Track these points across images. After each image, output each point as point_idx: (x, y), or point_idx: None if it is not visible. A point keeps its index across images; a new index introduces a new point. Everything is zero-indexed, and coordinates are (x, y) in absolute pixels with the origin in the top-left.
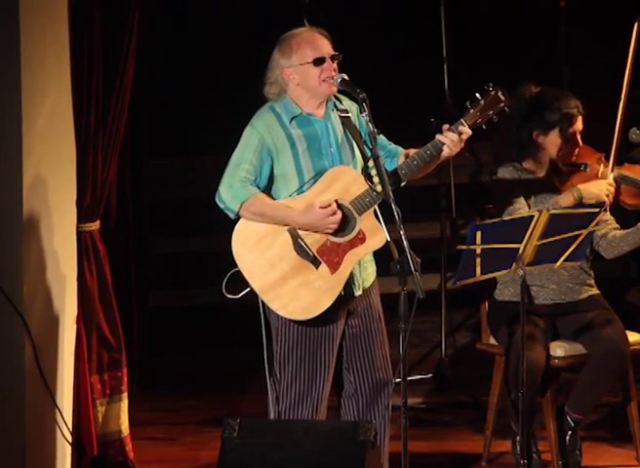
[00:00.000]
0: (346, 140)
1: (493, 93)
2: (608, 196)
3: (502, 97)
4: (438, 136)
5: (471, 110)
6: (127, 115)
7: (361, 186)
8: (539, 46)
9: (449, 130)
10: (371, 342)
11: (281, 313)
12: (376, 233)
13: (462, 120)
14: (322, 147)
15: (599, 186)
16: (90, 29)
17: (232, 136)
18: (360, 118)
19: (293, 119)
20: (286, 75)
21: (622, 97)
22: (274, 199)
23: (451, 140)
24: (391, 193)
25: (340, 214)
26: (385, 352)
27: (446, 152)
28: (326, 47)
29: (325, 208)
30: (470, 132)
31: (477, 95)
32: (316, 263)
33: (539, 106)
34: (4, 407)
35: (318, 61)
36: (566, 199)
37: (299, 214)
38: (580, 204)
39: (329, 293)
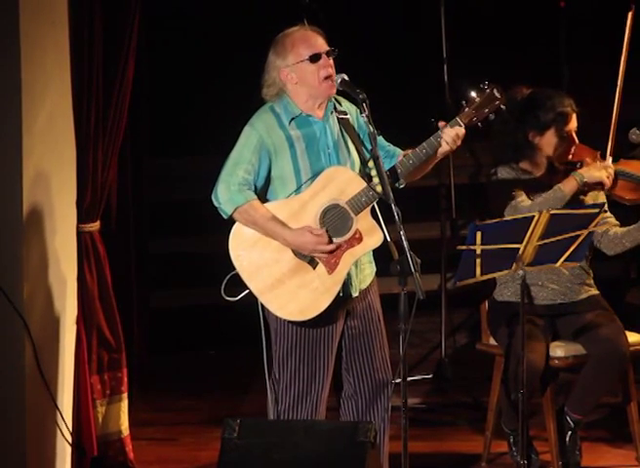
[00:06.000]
0: (344, 142)
1: (488, 91)
2: (608, 177)
3: (498, 95)
4: (441, 129)
5: (467, 109)
6: (127, 115)
7: (357, 186)
8: (538, 46)
9: (445, 126)
10: (370, 343)
11: (279, 314)
12: (372, 233)
13: (458, 118)
14: (320, 149)
15: (599, 169)
16: (90, 29)
17: (233, 136)
18: (359, 119)
19: (292, 120)
20: (283, 75)
21: (617, 90)
22: (270, 200)
23: (450, 137)
24: (391, 194)
25: (331, 247)
26: (385, 353)
27: (444, 148)
28: (320, 43)
29: (317, 235)
30: (464, 131)
31: (473, 93)
32: (313, 264)
33: (532, 107)
34: (4, 407)
35: (314, 58)
36: (569, 184)
37: (290, 234)
38: (582, 188)
39: (326, 294)
